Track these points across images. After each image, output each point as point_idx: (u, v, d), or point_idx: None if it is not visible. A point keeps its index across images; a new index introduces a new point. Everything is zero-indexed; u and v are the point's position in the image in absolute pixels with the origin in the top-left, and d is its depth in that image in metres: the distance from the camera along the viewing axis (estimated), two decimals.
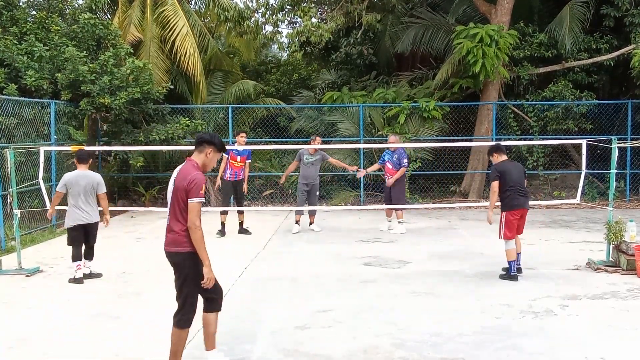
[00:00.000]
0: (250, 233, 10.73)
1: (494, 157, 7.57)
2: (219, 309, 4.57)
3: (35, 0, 14.63)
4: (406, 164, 10.78)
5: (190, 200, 4.28)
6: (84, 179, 7.39)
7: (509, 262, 7.30)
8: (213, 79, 17.21)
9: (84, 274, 7.44)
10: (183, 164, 4.52)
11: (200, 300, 4.49)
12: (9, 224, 9.35)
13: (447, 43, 15.15)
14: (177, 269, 4.41)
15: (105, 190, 7.53)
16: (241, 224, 10.80)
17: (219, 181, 10.68)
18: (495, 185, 7.32)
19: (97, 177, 7.52)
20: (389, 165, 10.77)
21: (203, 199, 4.35)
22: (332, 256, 8.82)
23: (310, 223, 11.13)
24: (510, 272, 7.29)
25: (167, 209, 4.47)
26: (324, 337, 5.32)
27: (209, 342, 4.61)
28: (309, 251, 9.26)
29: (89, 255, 7.62)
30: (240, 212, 10.78)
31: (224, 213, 10.60)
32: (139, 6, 15.56)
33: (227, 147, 10.49)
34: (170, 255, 4.41)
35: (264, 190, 15.13)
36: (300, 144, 14.50)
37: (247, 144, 11.08)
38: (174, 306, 4.43)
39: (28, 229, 10.51)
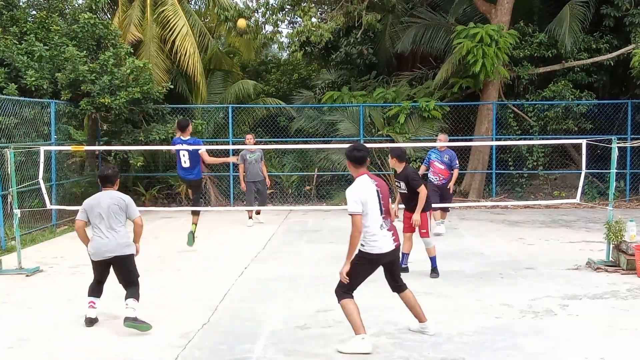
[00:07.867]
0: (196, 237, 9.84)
1: (402, 164, 7.34)
2: None
3: (35, 0, 14.63)
4: (457, 165, 10.44)
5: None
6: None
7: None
8: (213, 78, 17.19)
9: (128, 317, 5.51)
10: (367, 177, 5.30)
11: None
12: (9, 223, 9.33)
13: (447, 43, 15.14)
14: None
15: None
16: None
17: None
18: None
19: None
20: (439, 165, 10.34)
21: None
22: (332, 256, 8.78)
23: (257, 212, 11.74)
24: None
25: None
26: (324, 337, 5.33)
27: None
28: (309, 251, 9.25)
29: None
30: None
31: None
32: (139, 6, 15.55)
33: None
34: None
35: None
36: (300, 143, 14.53)
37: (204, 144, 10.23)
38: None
39: (28, 229, 10.49)
